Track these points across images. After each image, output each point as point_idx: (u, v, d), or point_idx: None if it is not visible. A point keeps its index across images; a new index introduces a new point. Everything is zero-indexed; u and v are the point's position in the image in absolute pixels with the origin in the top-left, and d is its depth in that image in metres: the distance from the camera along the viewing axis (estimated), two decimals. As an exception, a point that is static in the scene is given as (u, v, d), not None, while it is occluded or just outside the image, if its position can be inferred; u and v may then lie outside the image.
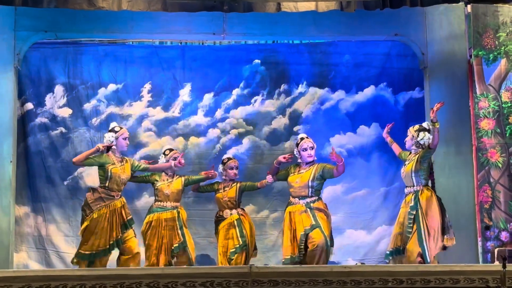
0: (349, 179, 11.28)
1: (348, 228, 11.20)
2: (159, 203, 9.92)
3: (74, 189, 11.27)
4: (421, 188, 9.27)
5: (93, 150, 9.75)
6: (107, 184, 9.67)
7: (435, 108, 9.20)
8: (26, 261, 11.02)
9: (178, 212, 9.89)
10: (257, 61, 11.68)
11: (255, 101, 11.65)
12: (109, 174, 9.65)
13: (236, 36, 11.37)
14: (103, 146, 9.74)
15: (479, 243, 10.32)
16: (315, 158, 9.88)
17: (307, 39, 11.65)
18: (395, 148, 9.85)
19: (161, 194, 9.92)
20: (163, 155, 10.12)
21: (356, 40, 11.57)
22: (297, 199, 9.68)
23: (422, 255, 8.96)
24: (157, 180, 10.01)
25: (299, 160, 9.86)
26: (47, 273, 7.61)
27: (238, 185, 10.04)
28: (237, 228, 9.82)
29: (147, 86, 11.55)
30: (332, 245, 9.57)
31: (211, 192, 10.17)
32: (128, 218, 9.75)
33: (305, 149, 9.77)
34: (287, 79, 11.71)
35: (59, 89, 11.42)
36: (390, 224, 11.30)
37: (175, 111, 11.58)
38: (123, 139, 9.88)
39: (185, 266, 9.38)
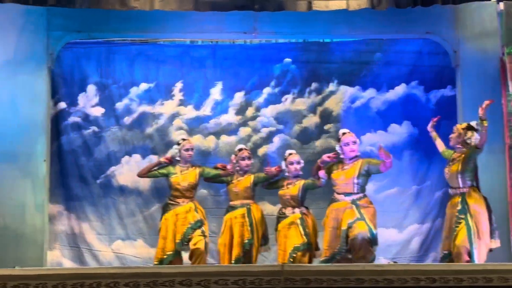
0: (381, 177, 11.18)
1: (379, 227, 11.00)
2: (230, 202, 9.97)
3: (106, 187, 11.37)
4: (468, 189, 9.02)
5: (155, 163, 10.05)
6: (171, 193, 9.91)
7: (484, 106, 8.94)
8: (59, 259, 11.12)
9: (248, 210, 9.86)
10: (288, 59, 11.70)
11: (286, 99, 11.66)
12: (170, 183, 9.89)
13: (267, 35, 11.39)
14: (164, 159, 10.01)
15: (512, 243, 10.27)
16: (359, 153, 9.68)
17: (338, 37, 11.65)
18: (439, 144, 9.60)
19: (231, 193, 9.96)
20: (233, 155, 10.05)
21: (387, 38, 11.55)
22: (342, 195, 9.44)
23: (469, 254, 8.77)
24: (229, 179, 10.03)
25: (341, 156, 9.59)
26: (81, 271, 7.66)
27: (302, 182, 9.77)
28: (300, 226, 9.62)
29: (179, 85, 11.62)
30: (376, 243, 9.39)
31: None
32: (193, 221, 9.78)
33: (347, 144, 9.52)
34: (318, 77, 11.71)
35: (91, 89, 11.52)
36: (422, 223, 11.32)
37: (206, 110, 11.63)
38: (184, 150, 9.95)
39: (217, 264, 9.42)
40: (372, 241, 9.29)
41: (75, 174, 11.35)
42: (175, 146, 10.09)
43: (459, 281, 7.08)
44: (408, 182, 11.42)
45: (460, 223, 8.88)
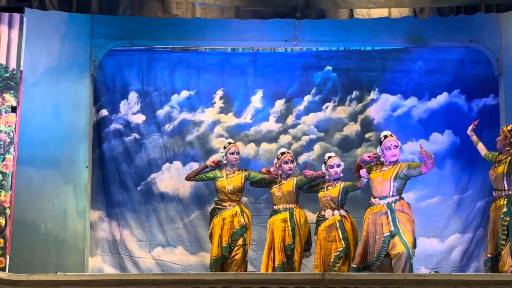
0: (422, 186, 11.18)
1: (420, 236, 11.00)
2: (274, 206, 9.97)
3: (147, 194, 11.41)
4: None
5: (202, 167, 10.21)
6: (218, 196, 10.01)
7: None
8: (100, 265, 11.19)
9: (291, 214, 9.84)
10: (328, 67, 11.68)
11: (327, 107, 11.64)
12: (216, 187, 10.01)
13: (308, 43, 11.39)
14: (211, 163, 10.14)
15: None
16: (399, 157, 9.60)
17: (379, 45, 11.60)
18: (481, 148, 9.49)
19: (274, 197, 9.97)
20: (276, 159, 10.09)
21: (429, 46, 11.48)
22: (377, 199, 9.32)
23: None
24: (273, 184, 10.05)
25: (382, 159, 9.52)
26: (122, 277, 7.71)
27: (342, 185, 9.73)
28: (339, 230, 9.56)
29: (219, 92, 11.64)
30: (414, 246, 9.23)
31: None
32: (239, 226, 9.85)
33: (389, 148, 9.44)
34: (358, 85, 11.67)
35: (133, 96, 11.59)
36: (463, 233, 11.22)
37: (246, 117, 11.64)
38: (230, 154, 10.05)
39: (257, 272, 9.41)
40: (410, 258, 9.08)
41: (116, 180, 11.42)
42: (221, 150, 10.17)
43: (502, 292, 7.03)
44: (450, 192, 11.33)
45: (505, 225, 8.75)
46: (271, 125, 11.64)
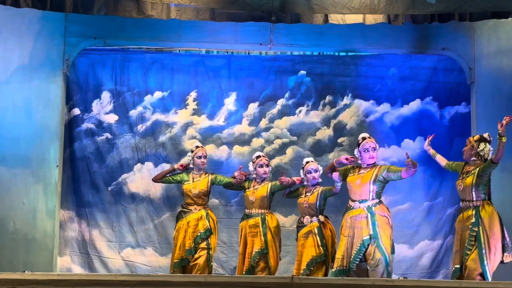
0: (393, 192, 11.21)
1: (391, 242, 11.12)
2: (246, 210, 9.95)
3: (118, 194, 11.37)
4: (481, 203, 8.88)
5: (169, 170, 10.22)
6: (184, 200, 10.04)
7: (504, 122, 8.78)
8: (69, 265, 11.14)
9: (263, 219, 9.81)
10: (302, 72, 11.70)
11: (300, 111, 11.66)
12: (182, 190, 10.05)
13: (282, 46, 11.39)
14: (178, 166, 10.16)
15: (523, 261, 10.19)
16: (377, 160, 9.53)
17: (353, 51, 11.64)
18: (440, 159, 9.45)
19: (247, 201, 9.94)
20: (251, 162, 10.08)
21: (403, 53, 11.54)
22: (357, 203, 9.24)
23: (482, 275, 8.64)
24: (245, 187, 10.03)
25: (359, 161, 9.45)
26: (91, 277, 7.66)
27: (320, 190, 9.70)
28: (317, 236, 9.52)
29: (193, 94, 11.63)
30: (393, 252, 9.22)
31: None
32: (203, 229, 9.85)
33: (367, 150, 9.34)
34: (332, 90, 11.70)
35: (106, 96, 11.54)
36: (433, 239, 11.28)
37: (220, 120, 11.63)
38: (197, 158, 10.06)
39: (227, 275, 9.41)
40: (387, 266, 9.10)
41: (87, 180, 11.37)
42: (189, 153, 10.17)
43: (469, 299, 7.07)
44: (420, 198, 11.39)
45: (473, 236, 8.76)
46: (244, 128, 11.63)
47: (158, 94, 11.60)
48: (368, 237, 9.07)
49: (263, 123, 11.64)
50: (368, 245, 9.09)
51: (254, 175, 9.97)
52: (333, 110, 11.65)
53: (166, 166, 11.17)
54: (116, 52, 11.54)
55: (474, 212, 8.86)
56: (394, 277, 10.51)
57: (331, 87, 11.70)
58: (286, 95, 11.67)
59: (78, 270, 11.06)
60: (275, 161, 11.38)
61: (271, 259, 9.66)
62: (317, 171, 9.78)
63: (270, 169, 10.13)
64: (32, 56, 10.82)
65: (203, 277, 7.82)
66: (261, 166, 9.92)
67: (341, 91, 11.69)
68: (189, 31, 11.06)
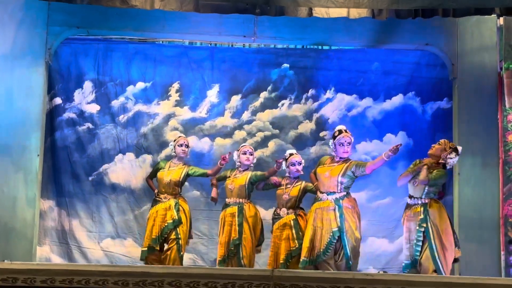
0: (374, 186, 11.25)
1: (370, 236, 11.13)
2: (226, 199, 9.95)
3: (98, 185, 11.34)
4: (429, 200, 9.08)
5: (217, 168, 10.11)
6: (158, 188, 10.07)
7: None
8: (48, 254, 11.10)
9: (240, 208, 9.80)
10: (286, 65, 11.69)
11: (283, 105, 11.65)
12: (157, 178, 10.10)
13: (266, 39, 11.38)
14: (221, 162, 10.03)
15: (502, 257, 10.27)
16: (350, 154, 9.61)
17: (337, 45, 11.64)
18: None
19: (227, 190, 9.94)
20: (236, 151, 10.08)
21: (386, 48, 11.55)
22: (325, 194, 9.33)
23: (436, 271, 8.80)
24: (227, 176, 10.02)
25: (333, 153, 9.55)
26: (70, 267, 7.63)
27: (303, 185, 9.76)
28: (293, 229, 9.57)
29: (175, 85, 11.60)
30: (357, 243, 9.29)
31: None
32: (171, 220, 9.87)
33: (342, 144, 9.43)
34: (315, 84, 11.70)
35: (88, 85, 11.49)
36: (413, 234, 11.30)
37: (202, 112, 11.61)
38: (178, 146, 10.09)
39: (207, 267, 9.41)
40: (349, 260, 9.23)
41: (67, 170, 11.33)
42: (171, 143, 10.19)
43: (448, 294, 7.10)
44: (401, 193, 11.33)
45: (422, 232, 8.96)
46: (227, 120, 11.62)
47: (140, 85, 11.57)
48: (337, 229, 9.17)
49: (246, 115, 11.62)
50: (338, 236, 9.17)
51: (239, 163, 9.95)
52: (316, 103, 11.65)
53: (147, 157, 11.19)
54: (99, 42, 11.50)
55: (422, 209, 9.05)
56: (374, 271, 10.59)
57: (314, 80, 11.70)
58: (269, 88, 11.66)
59: (57, 260, 11.02)
60: (256, 154, 11.28)
61: (243, 250, 9.63)
62: (300, 163, 9.82)
63: (254, 160, 10.10)
64: (14, 45, 10.77)
65: (183, 269, 7.81)
66: (244, 153, 9.93)
67: (324, 85, 11.69)
68: (173, 22, 11.02)
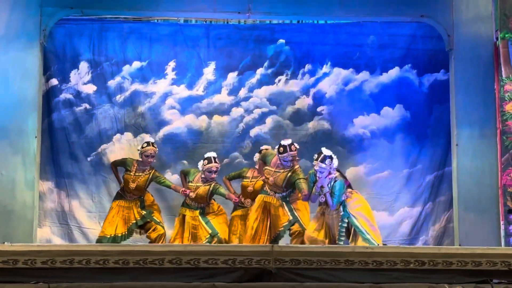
0: (372, 160, 11.27)
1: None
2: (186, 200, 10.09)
3: (97, 165, 11.34)
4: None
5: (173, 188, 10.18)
6: (124, 186, 10.08)
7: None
8: (49, 236, 11.12)
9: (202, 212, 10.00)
10: (281, 40, 11.66)
11: (279, 80, 11.63)
12: (123, 176, 10.09)
13: (261, 15, 11.33)
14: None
15: (502, 226, 10.28)
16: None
17: (332, 19, 11.61)
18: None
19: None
20: (202, 163, 10.03)
21: (382, 21, 11.51)
22: (272, 191, 9.63)
23: None
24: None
25: (278, 162, 9.62)
26: (70, 248, 7.64)
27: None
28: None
29: (172, 64, 11.58)
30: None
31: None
32: (139, 217, 10.03)
33: (286, 161, 9.49)
34: (311, 59, 11.68)
35: (83, 66, 11.47)
36: (412, 206, 11.34)
37: (199, 90, 11.59)
38: (145, 156, 10.00)
39: (208, 244, 9.43)
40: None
41: (65, 151, 11.33)
42: (138, 148, 10.15)
43: (448, 264, 7.11)
44: (400, 166, 11.42)
45: (345, 227, 9.18)
46: (224, 97, 11.60)
47: (136, 64, 11.55)
48: (287, 222, 9.54)
49: (242, 92, 11.60)
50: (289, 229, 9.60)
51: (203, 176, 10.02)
52: (312, 79, 11.63)
53: (145, 136, 11.21)
54: (94, 22, 11.46)
55: (341, 205, 9.20)
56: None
57: (310, 55, 11.68)
58: (265, 64, 11.64)
59: (58, 241, 11.04)
60: (254, 131, 11.40)
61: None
62: (217, 171, 9.97)
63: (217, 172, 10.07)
64: (8, 27, 10.71)
65: (183, 246, 7.83)
66: (210, 172, 9.90)
67: (320, 59, 11.67)
68: (167, 0, 10.97)
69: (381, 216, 11.17)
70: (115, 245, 8.56)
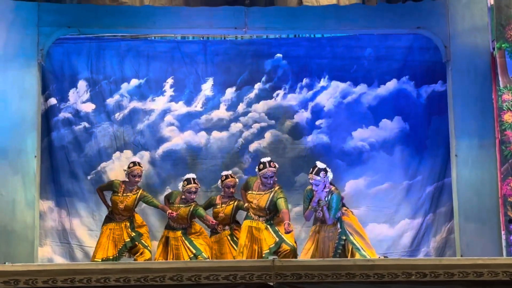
0: (372, 172, 11.26)
1: (370, 222, 11.13)
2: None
3: (97, 183, 11.29)
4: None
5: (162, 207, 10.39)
6: (113, 209, 10.31)
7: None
8: (50, 255, 11.12)
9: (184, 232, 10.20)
10: (279, 55, 11.68)
11: (277, 95, 11.65)
12: (111, 198, 10.29)
13: (257, 30, 11.36)
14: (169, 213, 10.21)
15: (503, 237, 10.27)
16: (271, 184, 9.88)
17: (329, 32, 11.63)
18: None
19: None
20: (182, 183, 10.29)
21: (378, 33, 11.54)
22: (256, 216, 9.81)
23: None
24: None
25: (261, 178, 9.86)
26: (71, 267, 7.63)
27: (235, 203, 10.23)
28: (231, 241, 10.14)
29: (170, 80, 11.60)
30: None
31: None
32: (129, 239, 10.20)
33: (266, 178, 9.75)
34: (309, 73, 11.69)
35: (82, 84, 11.49)
36: (413, 218, 11.32)
37: (197, 106, 11.61)
38: (132, 176, 10.23)
39: (208, 260, 9.43)
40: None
41: (65, 170, 11.33)
42: (125, 168, 10.34)
43: (449, 276, 7.11)
44: (399, 177, 11.42)
45: (343, 244, 9.35)
46: (222, 113, 11.61)
47: (134, 82, 11.56)
48: (273, 244, 9.66)
49: (241, 107, 11.62)
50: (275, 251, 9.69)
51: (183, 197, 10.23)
52: (310, 92, 11.64)
53: (145, 154, 11.22)
54: (91, 40, 11.50)
55: (338, 222, 9.36)
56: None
57: (308, 69, 11.69)
58: (263, 78, 11.65)
59: (59, 260, 11.03)
60: (253, 146, 11.40)
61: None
62: (234, 186, 10.27)
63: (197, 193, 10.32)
64: (5, 47, 10.73)
65: (184, 263, 7.82)
66: (190, 193, 10.12)
67: (317, 73, 11.69)
68: (164, 17, 10.98)
69: (382, 228, 11.18)
70: (116, 263, 8.58)
